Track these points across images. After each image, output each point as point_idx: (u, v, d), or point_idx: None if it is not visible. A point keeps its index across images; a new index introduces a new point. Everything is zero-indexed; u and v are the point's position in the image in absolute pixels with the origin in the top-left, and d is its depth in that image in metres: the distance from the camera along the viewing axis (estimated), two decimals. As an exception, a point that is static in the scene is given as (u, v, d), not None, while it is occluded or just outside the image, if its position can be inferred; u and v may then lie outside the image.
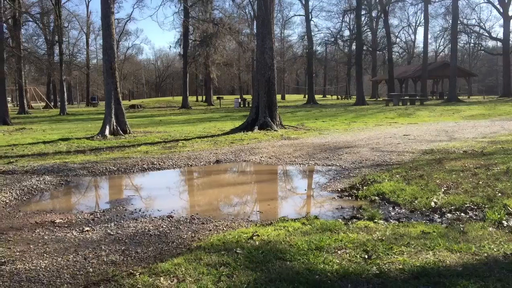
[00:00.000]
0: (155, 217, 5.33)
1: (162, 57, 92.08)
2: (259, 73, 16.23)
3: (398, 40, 65.88)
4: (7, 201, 6.45)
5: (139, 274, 3.45)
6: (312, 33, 50.83)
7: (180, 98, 49.24)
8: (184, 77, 43.11)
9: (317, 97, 51.21)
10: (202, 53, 40.78)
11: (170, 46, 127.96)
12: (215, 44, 39.14)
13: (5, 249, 4.17)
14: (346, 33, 61.86)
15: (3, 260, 3.84)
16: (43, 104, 53.44)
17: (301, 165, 8.95)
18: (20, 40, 34.69)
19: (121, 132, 15.15)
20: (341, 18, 58.88)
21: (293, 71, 79.75)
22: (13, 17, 34.48)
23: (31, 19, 41.03)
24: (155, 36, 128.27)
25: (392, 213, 5.31)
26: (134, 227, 4.91)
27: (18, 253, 4.04)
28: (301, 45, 62.85)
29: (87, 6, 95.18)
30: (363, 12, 47.69)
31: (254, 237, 4.27)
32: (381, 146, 10.68)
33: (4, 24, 29.89)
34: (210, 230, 4.76)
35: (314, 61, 53.84)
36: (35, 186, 7.28)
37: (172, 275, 3.40)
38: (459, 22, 44.83)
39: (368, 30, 56.65)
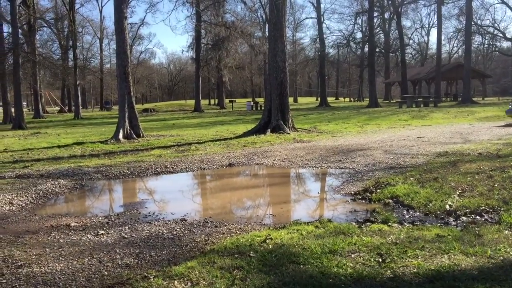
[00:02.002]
0: (168, 221, 5.36)
1: (175, 61, 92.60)
2: (271, 76, 16.24)
3: (411, 41, 65.46)
4: (23, 204, 6.53)
5: (153, 278, 3.47)
6: (324, 36, 50.71)
7: (192, 102, 49.45)
8: (196, 80, 43.28)
9: (329, 99, 51.09)
10: (215, 57, 40.93)
11: (183, 50, 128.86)
12: (227, 48, 39.27)
13: (21, 252, 4.22)
14: (359, 35, 61.67)
15: (20, 263, 3.89)
16: (58, 108, 54.00)
17: (314, 168, 8.93)
18: (35, 46, 35.11)
19: (134, 136, 15.25)
20: (353, 20, 58.66)
21: (305, 73, 79.62)
22: (28, 23, 34.96)
23: (45, 25, 41.49)
24: (168, 40, 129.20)
25: (406, 216, 5.27)
26: (148, 230, 4.94)
27: (34, 256, 4.09)
28: (313, 47, 62.83)
29: (101, 12, 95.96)
30: (375, 14, 47.49)
31: (267, 241, 4.27)
32: (395, 149, 10.62)
33: (20, 30, 30.31)
34: (223, 233, 4.77)
35: (326, 64, 53.71)
36: (50, 190, 7.37)
37: (186, 279, 3.42)
38: (473, 23, 44.39)
39: (380, 32, 56.38)
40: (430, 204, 5.58)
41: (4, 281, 3.51)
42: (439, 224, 4.82)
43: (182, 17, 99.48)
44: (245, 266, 3.60)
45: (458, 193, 5.96)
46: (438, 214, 5.24)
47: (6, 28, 31.98)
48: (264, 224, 5.18)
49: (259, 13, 47.85)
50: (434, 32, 76.78)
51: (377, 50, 50.49)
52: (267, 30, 35.88)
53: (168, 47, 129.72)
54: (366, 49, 52.72)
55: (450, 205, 5.47)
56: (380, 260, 3.69)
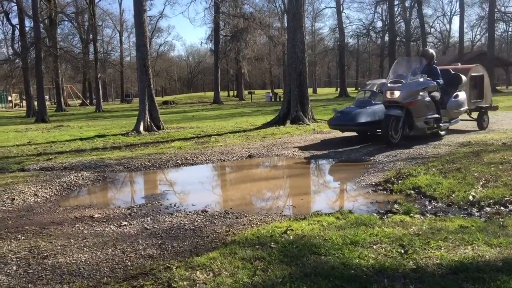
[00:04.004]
0: (189, 212, 5.41)
1: (194, 53, 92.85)
2: (290, 67, 16.17)
3: (432, 30, 64.31)
4: (47, 196, 6.66)
5: (175, 268, 3.51)
6: (344, 25, 50.26)
7: (211, 94, 49.58)
8: (215, 72, 43.37)
9: (349, 90, 50.58)
10: (233, 48, 40.92)
11: (202, 42, 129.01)
12: (246, 39, 39.20)
13: (47, 243, 4.31)
14: (379, 24, 60.82)
15: (45, 254, 3.97)
16: (79, 101, 54.79)
17: (334, 159, 8.89)
18: (56, 40, 35.67)
19: (155, 128, 15.38)
20: (373, 9, 57.82)
21: (324, 64, 79.06)
22: (49, 17, 35.47)
23: (66, 19, 42.05)
24: (187, 32, 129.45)
25: (429, 207, 5.22)
26: (169, 221, 4.99)
27: (59, 247, 4.17)
28: (332, 37, 62.21)
29: (120, 5, 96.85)
30: (396, 2, 46.78)
31: (288, 232, 4.28)
32: (415, 139, 10.48)
33: (41, 24, 30.73)
34: (244, 224, 4.79)
35: (346, 54, 53.16)
36: (73, 182, 7.49)
37: (208, 269, 3.45)
38: (496, 10, 43.40)
39: (401, 20, 55.49)
40: (453, 195, 5.51)
41: (30, 271, 3.59)
42: (462, 215, 4.76)
43: (201, 9, 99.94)
44: (266, 257, 3.62)
45: (481, 183, 5.86)
46: (461, 205, 5.18)
47: (28, 23, 32.54)
48: (285, 215, 5.18)
49: (277, 4, 47.67)
50: (456, 20, 75.37)
51: (397, 39, 49.76)
52: (285, 20, 35.66)
53: (187, 39, 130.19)
54: (386, 38, 52.04)
55: (473, 196, 5.39)
56: (403, 251, 3.66)
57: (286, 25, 23.05)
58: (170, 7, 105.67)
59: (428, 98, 9.64)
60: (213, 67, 45.69)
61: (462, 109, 10.84)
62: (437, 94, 10.00)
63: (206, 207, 5.66)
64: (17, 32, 35.00)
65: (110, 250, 4.08)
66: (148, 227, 4.79)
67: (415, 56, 61.18)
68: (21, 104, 52.48)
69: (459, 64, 13.96)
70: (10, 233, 4.72)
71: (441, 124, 10.05)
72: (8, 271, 3.57)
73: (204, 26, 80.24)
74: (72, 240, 4.39)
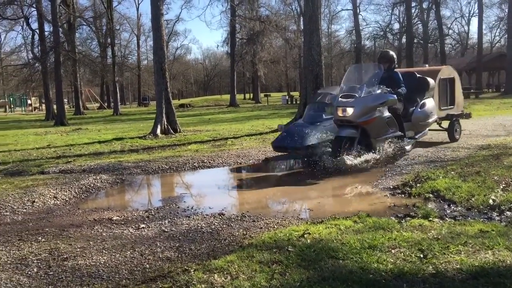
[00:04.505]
0: (207, 215, 5.43)
1: (210, 56, 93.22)
2: (306, 70, 16.13)
3: (450, 31, 63.57)
4: (66, 199, 6.75)
5: (193, 271, 3.52)
6: (360, 27, 50.08)
7: (227, 96, 49.72)
8: (231, 75, 43.50)
9: (366, 92, 50.24)
10: (249, 51, 41.01)
11: (218, 45, 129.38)
12: (262, 42, 39.26)
13: (66, 245, 4.36)
14: (396, 26, 60.30)
15: (65, 256, 4.02)
16: (97, 104, 55.40)
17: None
18: (75, 44, 36.10)
19: (172, 131, 15.48)
20: (390, 11, 57.45)
21: (341, 66, 78.57)
22: (68, 22, 35.94)
23: (85, 23, 42.47)
24: (203, 35, 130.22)
25: (448, 211, 5.16)
26: (187, 224, 5.02)
27: (79, 249, 4.22)
28: (349, 39, 61.81)
29: (137, 9, 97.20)
30: (413, 3, 46.40)
31: (305, 235, 4.27)
32: (434, 142, 10.37)
33: (60, 29, 31.18)
34: (261, 227, 4.79)
35: (363, 56, 52.90)
36: (92, 185, 7.58)
37: (225, 272, 3.45)
38: (516, 10, 42.70)
39: (418, 22, 54.98)
40: (473, 199, 5.44)
41: (51, 273, 3.64)
42: (482, 219, 4.70)
43: (217, 12, 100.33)
44: (284, 261, 3.61)
45: (501, 187, 5.78)
46: (481, 209, 5.11)
47: (48, 28, 33.04)
48: (302, 218, 5.17)
49: (293, 6, 47.65)
50: (474, 21, 74.50)
51: (415, 41, 49.34)
52: (301, 23, 35.62)
53: (203, 43, 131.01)
54: (403, 40, 51.63)
55: (493, 200, 5.31)
56: (422, 255, 3.62)
57: (302, 27, 23.03)
58: (186, 10, 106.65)
59: (387, 114, 8.14)
60: (229, 70, 45.85)
61: (430, 120, 9.32)
62: (399, 107, 8.60)
63: (223, 210, 5.67)
64: (36, 37, 35.63)
65: (129, 252, 4.11)
66: (166, 230, 4.82)
67: (432, 57, 60.60)
68: (40, 107, 53.31)
69: (426, 65, 12.66)
70: (31, 235, 4.79)
71: (405, 142, 8.58)
72: (29, 272, 3.63)
73: (220, 29, 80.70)
74: (91, 242, 4.44)
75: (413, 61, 43.59)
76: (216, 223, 5.00)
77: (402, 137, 8.46)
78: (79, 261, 3.88)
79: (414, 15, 50.89)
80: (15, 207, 6.19)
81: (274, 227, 4.79)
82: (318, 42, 15.71)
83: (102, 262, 3.86)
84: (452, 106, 10.59)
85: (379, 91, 8.06)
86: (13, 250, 4.28)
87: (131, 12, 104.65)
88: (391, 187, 6.54)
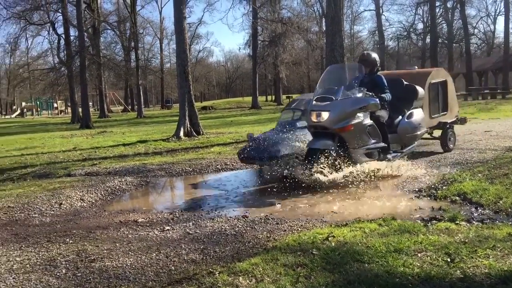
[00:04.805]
0: (230, 217, 5.45)
1: (232, 59, 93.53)
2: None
3: (476, 31, 62.42)
4: (93, 201, 6.86)
5: (218, 273, 3.54)
6: (383, 28, 49.57)
7: (250, 99, 49.78)
8: (253, 77, 43.57)
9: (389, 93, 49.73)
10: (271, 53, 41.02)
11: (240, 48, 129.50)
12: (284, 44, 39.24)
13: (93, 247, 4.43)
14: (420, 26, 59.49)
15: (92, 257, 4.09)
16: (121, 107, 56.13)
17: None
18: (99, 48, 36.68)
19: (194, 134, 15.58)
20: (414, 11, 56.72)
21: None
22: (92, 26, 36.57)
23: (109, 28, 43.14)
24: (225, 38, 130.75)
25: (475, 214, 5.07)
26: (211, 226, 5.04)
27: (105, 251, 4.29)
28: (371, 40, 61.28)
29: (160, 13, 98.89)
30: (437, 3, 45.75)
31: (329, 238, 4.25)
32: (461, 143, 10.20)
33: (85, 33, 31.72)
34: (285, 230, 4.79)
35: (386, 57, 52.36)
36: (117, 187, 7.69)
37: (250, 275, 3.46)
38: (544, 8, 41.70)
39: (443, 22, 54.16)
40: (501, 202, 5.33)
41: (79, 274, 3.71)
42: (510, 223, 4.60)
43: (239, 14, 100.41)
44: (309, 264, 3.60)
45: (531, 190, 5.65)
46: (509, 212, 5.00)
47: (73, 32, 33.64)
48: (325, 221, 5.15)
49: (315, 8, 47.50)
50: (501, 20, 72.71)
51: (439, 40, 48.63)
52: (323, 24, 35.47)
53: (225, 45, 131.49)
54: (428, 40, 50.93)
55: (523, 203, 5.19)
56: (449, 259, 3.57)
57: (324, 29, 22.93)
58: (209, 14, 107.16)
59: (368, 121, 7.16)
60: (251, 72, 45.92)
61: (418, 132, 8.22)
62: (383, 114, 7.57)
63: (246, 212, 5.69)
64: (62, 42, 36.34)
65: (154, 254, 4.16)
66: (190, 232, 4.86)
67: (457, 57, 59.36)
68: (66, 110, 54.32)
69: (416, 67, 11.30)
70: (59, 237, 4.89)
71: (389, 156, 7.48)
72: (58, 274, 3.70)
73: (242, 32, 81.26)
74: (117, 244, 4.50)
75: (438, 61, 42.96)
76: (240, 226, 5.02)
77: (386, 149, 7.43)
78: (106, 263, 3.94)
79: (439, 14, 50.13)
80: (43, 209, 6.33)
81: (298, 229, 4.78)
82: (340, 44, 15.61)
83: (128, 264, 3.91)
84: (444, 113, 9.50)
85: (359, 94, 7.13)
86: (42, 252, 4.37)
87: (154, 16, 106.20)
88: (417, 189, 6.46)
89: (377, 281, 3.22)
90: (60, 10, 34.79)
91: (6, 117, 55.62)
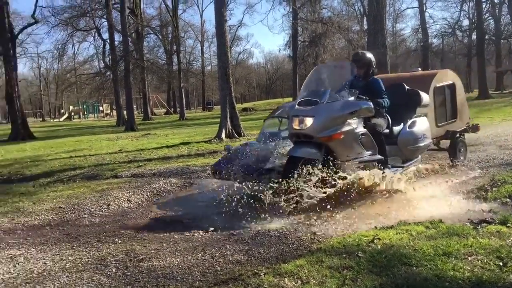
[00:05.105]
0: (273, 218, 5.44)
1: (272, 60, 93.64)
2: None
3: (525, 26, 59.97)
4: (139, 202, 7.03)
5: (264, 274, 3.56)
6: (427, 25, 48.42)
7: (290, 99, 49.67)
8: (294, 78, 43.50)
9: (433, 92, 48.49)
10: (311, 53, 40.82)
11: (280, 49, 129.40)
12: (324, 44, 38.96)
13: (141, 247, 4.55)
14: (465, 22, 57.67)
15: (141, 257, 4.19)
16: (164, 110, 57.25)
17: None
18: (143, 52, 37.59)
19: (236, 135, 15.70)
20: (459, 7, 55.10)
21: (407, 66, 76.29)
22: (136, 31, 37.53)
23: (152, 32, 44.21)
24: (265, 39, 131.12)
25: (528, 217, 4.88)
26: (254, 228, 5.07)
27: (153, 251, 4.39)
28: (414, 38, 59.99)
29: (201, 16, 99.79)
30: (483, -2, 44.25)
31: (375, 241, 4.19)
32: (511, 144, 9.84)
33: (129, 38, 32.55)
34: (329, 232, 4.76)
35: (430, 54, 51.11)
36: (162, 188, 7.85)
37: (295, 277, 3.47)
38: None
39: (490, 17, 52.36)
40: (556, 204, 5.11)
41: (128, 273, 3.81)
42: None
43: (279, 16, 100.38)
44: (355, 266, 3.57)
45: None
46: None
47: (117, 37, 34.57)
48: (370, 223, 5.08)
49: (356, 7, 46.92)
50: (552, 14, 69.49)
51: (486, 37, 47.00)
52: (365, 23, 35.02)
53: (265, 47, 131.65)
54: (474, 37, 49.35)
55: None
56: (501, 263, 3.46)
57: (365, 27, 22.63)
58: (249, 15, 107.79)
59: (362, 130, 6.12)
60: (291, 73, 45.85)
61: (421, 144, 7.09)
62: (380, 122, 6.55)
63: (289, 214, 5.67)
64: (107, 46, 37.51)
65: (200, 254, 4.22)
66: (235, 233, 4.90)
67: (506, 54, 57.16)
68: (111, 113, 55.90)
69: (419, 69, 9.89)
70: (108, 237, 5.04)
71: (387, 171, 6.28)
72: (108, 273, 3.82)
73: (282, 33, 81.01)
74: (164, 244, 4.60)
75: (485, 58, 41.55)
76: (284, 227, 5.02)
77: (383, 163, 6.38)
78: (154, 263, 4.04)
79: (485, 10, 48.44)
80: (92, 209, 6.54)
81: (341, 231, 4.74)
82: (383, 42, 15.41)
83: (175, 264, 3.99)
84: (453, 120, 8.37)
85: (351, 98, 6.08)
86: (92, 251, 4.52)
87: (195, 19, 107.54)
88: (465, 191, 6.28)
89: (426, 285, 3.16)
90: (105, 16, 35.88)
91: (55, 120, 57.77)
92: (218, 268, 3.87)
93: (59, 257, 4.34)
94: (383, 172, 6.08)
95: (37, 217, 6.09)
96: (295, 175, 5.61)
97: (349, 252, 3.92)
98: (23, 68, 66.39)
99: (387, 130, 6.73)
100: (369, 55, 6.87)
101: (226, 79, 15.97)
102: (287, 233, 4.81)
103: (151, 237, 4.95)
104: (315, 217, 5.33)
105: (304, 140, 5.98)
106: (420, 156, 7.27)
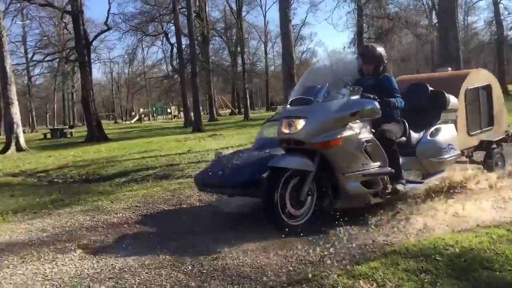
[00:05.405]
0: (346, 220, 5.37)
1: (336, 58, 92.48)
2: (443, 67, 15.25)
3: None
4: (209, 201, 7.18)
5: (337, 276, 3.54)
6: (502, 17, 45.81)
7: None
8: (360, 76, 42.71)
9: (510, 87, 45.89)
10: (377, 51, 39.88)
11: (344, 47, 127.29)
12: (391, 40, 37.95)
13: (214, 246, 4.64)
14: (545, 12, 54.18)
15: (215, 256, 4.30)
16: (229, 111, 58.15)
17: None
18: (208, 55, 38.43)
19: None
20: (537, -4, 51.83)
21: (479, 60, 72.80)
22: (202, 34, 38.44)
23: (217, 34, 45.10)
24: (328, 38, 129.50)
25: None
26: (326, 229, 5.02)
27: (226, 250, 4.47)
28: (488, 31, 57.05)
29: (264, 17, 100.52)
30: None
31: (453, 244, 4.04)
32: None
33: (195, 41, 33.39)
34: (403, 234, 4.64)
35: (505, 48, 48.34)
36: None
37: (370, 279, 3.42)
38: None
39: None
40: None
41: (204, 271, 3.92)
42: None
43: (343, 13, 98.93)
44: (433, 270, 3.47)
45: None
46: None
47: (184, 41, 35.59)
48: (447, 226, 4.89)
49: (424, 0, 45.38)
50: None
51: None
52: (433, 17, 33.73)
53: (328, 45, 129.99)
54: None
55: None
56: None
57: (434, 22, 21.81)
58: (312, 14, 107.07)
59: (367, 135, 5.10)
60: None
61: (446, 156, 5.95)
62: (393, 128, 5.47)
63: (361, 215, 5.58)
64: (175, 50, 38.64)
65: (272, 254, 4.25)
66: (306, 233, 4.87)
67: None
68: (179, 115, 57.51)
69: (449, 69, 8.16)
70: (181, 235, 5.18)
71: (399, 187, 5.31)
72: (185, 270, 3.94)
73: (346, 31, 79.85)
74: (236, 243, 4.67)
75: None
76: (355, 229, 4.94)
77: (395, 177, 5.31)
78: (228, 261, 4.12)
79: None
80: (166, 208, 6.77)
81: (417, 234, 4.61)
82: (455, 36, 14.75)
83: (248, 263, 4.05)
84: (489, 128, 7.12)
85: (356, 96, 5.08)
86: (168, 249, 4.67)
87: (259, 20, 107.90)
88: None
89: (511, 291, 3.01)
90: (172, 21, 37.02)
91: (126, 122, 60.32)
92: (291, 268, 3.89)
93: (137, 254, 4.53)
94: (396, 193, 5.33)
95: (116, 215, 6.39)
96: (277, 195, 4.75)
97: (425, 255, 3.81)
98: (97, 73, 70.47)
99: (403, 138, 5.66)
100: (380, 48, 5.86)
101: (290, 79, 15.92)
102: (359, 234, 4.74)
103: (222, 236, 5.04)
104: (386, 219, 5.22)
105: (295, 147, 5.02)
106: (445, 169, 6.13)
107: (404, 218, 5.29)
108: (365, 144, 5.01)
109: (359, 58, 5.83)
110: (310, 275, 3.63)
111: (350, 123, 4.92)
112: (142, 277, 3.87)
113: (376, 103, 5.08)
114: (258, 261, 4.09)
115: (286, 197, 4.86)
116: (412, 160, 5.70)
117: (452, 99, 6.19)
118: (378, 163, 5.13)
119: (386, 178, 5.22)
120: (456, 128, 6.30)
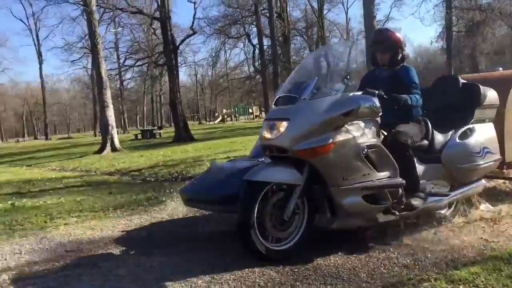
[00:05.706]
0: (435, 222, 5.18)
1: (422, 54, 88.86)
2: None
3: None
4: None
5: (434, 280, 3.44)
6: None
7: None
8: (448, 71, 40.71)
9: None
10: (468, 44, 37.85)
11: (431, 41, 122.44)
12: (483, 33, 35.83)
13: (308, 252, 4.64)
14: None
15: (302, 255, 4.31)
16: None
17: None
18: (289, 55, 38.54)
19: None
20: None
21: None
22: (283, 35, 38.64)
23: (298, 34, 45.10)
24: (413, 32, 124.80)
25: None
26: (421, 232, 4.86)
27: (320, 251, 4.48)
28: None
29: (346, 14, 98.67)
30: None
31: None
32: None
33: (276, 42, 33.67)
34: (503, 238, 4.39)
35: None
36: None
37: (471, 284, 3.28)
38: None
39: None
40: None
41: (296, 270, 3.96)
42: None
43: (430, 6, 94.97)
44: (541, 278, 3.26)
45: None
46: None
47: (266, 42, 36.02)
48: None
49: (521, -11, 42.25)
50: None
51: None
52: (532, 6, 31.32)
53: (414, 40, 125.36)
54: None
55: None
56: None
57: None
58: (396, 9, 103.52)
59: (368, 139, 4.15)
60: (445, 66, 43.00)
61: (482, 161, 4.90)
62: (410, 130, 4.48)
63: (451, 217, 5.35)
64: (256, 51, 39.22)
65: (363, 256, 4.20)
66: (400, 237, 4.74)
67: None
68: (260, 115, 58.26)
69: (500, 69, 6.41)
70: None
71: (416, 202, 4.39)
72: (277, 268, 4.01)
73: (433, 24, 76.23)
74: (327, 244, 4.66)
75: None
76: (447, 231, 4.75)
77: (410, 189, 4.38)
78: (319, 262, 4.12)
79: None
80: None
81: (519, 238, 4.34)
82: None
83: (340, 264, 4.04)
84: None
85: (358, 93, 4.30)
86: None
87: (340, 18, 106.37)
88: None
89: None
90: (254, 23, 37.61)
91: (210, 123, 62.11)
92: (384, 270, 3.82)
93: (228, 250, 4.66)
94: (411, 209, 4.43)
95: (205, 214, 6.62)
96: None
97: (531, 262, 3.59)
98: (183, 75, 72.98)
99: (425, 142, 4.69)
100: (397, 34, 4.75)
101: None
102: (454, 238, 4.54)
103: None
104: (483, 224, 4.96)
105: (279, 155, 4.14)
106: (480, 178, 5.11)
107: (503, 219, 5.00)
108: (366, 150, 4.07)
109: (372, 46, 4.88)
110: (405, 279, 3.55)
111: (345, 125, 4.03)
112: (236, 273, 3.96)
113: (375, 100, 4.12)
114: (350, 262, 4.05)
115: (266, 217, 4.04)
116: (436, 168, 4.74)
117: (489, 93, 5.10)
118: (385, 173, 4.21)
119: (400, 191, 4.31)
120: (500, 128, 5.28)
